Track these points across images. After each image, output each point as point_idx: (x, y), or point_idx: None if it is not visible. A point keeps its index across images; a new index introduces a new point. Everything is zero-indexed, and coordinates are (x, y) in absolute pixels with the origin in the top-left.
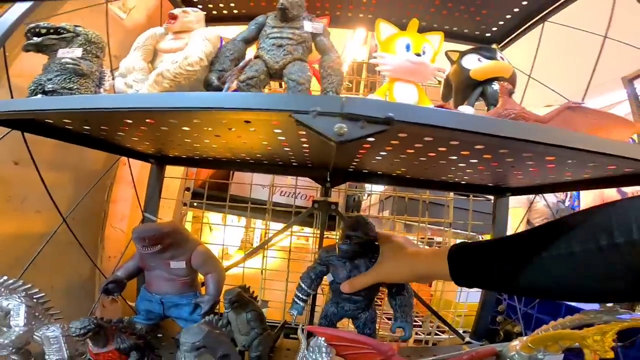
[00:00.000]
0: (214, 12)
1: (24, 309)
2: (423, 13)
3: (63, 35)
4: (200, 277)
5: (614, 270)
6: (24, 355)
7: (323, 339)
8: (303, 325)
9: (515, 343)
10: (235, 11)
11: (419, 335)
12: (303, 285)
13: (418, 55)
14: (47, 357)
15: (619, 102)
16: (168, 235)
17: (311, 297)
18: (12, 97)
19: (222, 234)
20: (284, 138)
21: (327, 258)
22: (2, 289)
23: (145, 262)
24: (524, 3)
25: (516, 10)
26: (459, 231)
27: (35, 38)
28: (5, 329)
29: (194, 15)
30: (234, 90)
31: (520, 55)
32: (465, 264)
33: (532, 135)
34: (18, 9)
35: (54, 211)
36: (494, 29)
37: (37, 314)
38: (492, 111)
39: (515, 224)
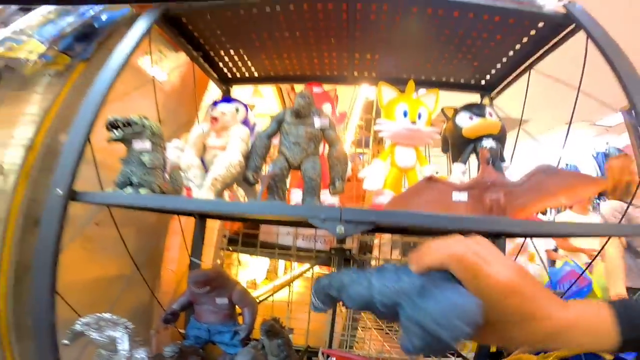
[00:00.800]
0: (238, 75)
1: (127, 337)
2: (422, 67)
3: (134, 128)
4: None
5: None
6: None
7: (334, 358)
8: (322, 349)
9: None
10: (256, 74)
11: (430, 357)
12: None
13: (414, 122)
14: None
15: None
16: (215, 279)
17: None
18: (101, 187)
19: (251, 267)
20: None
21: None
22: (109, 323)
23: (195, 298)
24: (510, 54)
25: (504, 60)
26: None
27: (114, 130)
28: (103, 351)
29: (230, 114)
30: (268, 187)
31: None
32: None
33: (476, 225)
34: (93, 100)
35: (124, 258)
36: (487, 77)
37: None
38: (472, 180)
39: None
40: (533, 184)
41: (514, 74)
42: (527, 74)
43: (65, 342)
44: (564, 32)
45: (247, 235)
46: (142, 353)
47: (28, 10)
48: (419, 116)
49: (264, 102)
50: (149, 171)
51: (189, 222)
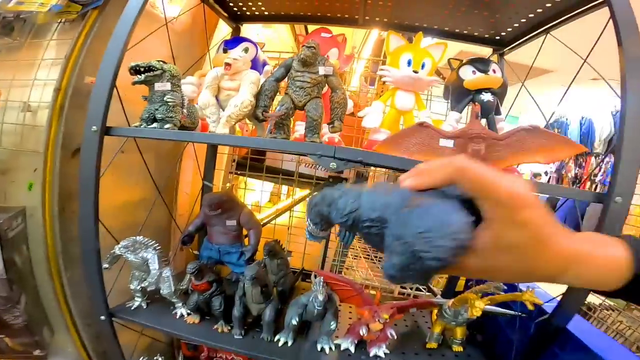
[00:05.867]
0: (247, 13)
1: (157, 258)
2: (436, 16)
3: (155, 72)
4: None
5: None
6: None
7: (322, 277)
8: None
9: (452, 300)
10: (266, 12)
11: (404, 289)
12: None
13: (416, 72)
14: (161, 290)
15: None
16: (226, 202)
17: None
18: (128, 122)
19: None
20: None
21: None
22: (140, 245)
23: (208, 220)
24: (531, 15)
25: (523, 20)
26: None
27: (138, 75)
28: (137, 272)
29: (242, 60)
30: (275, 123)
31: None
32: None
33: None
34: (116, 45)
35: (146, 183)
36: (503, 34)
37: None
38: (460, 129)
39: None
40: (514, 140)
41: (530, 35)
42: (542, 37)
43: (105, 265)
44: (590, 5)
45: (254, 160)
46: (168, 272)
47: None
48: (422, 66)
49: (275, 32)
50: (171, 108)
51: (202, 147)
